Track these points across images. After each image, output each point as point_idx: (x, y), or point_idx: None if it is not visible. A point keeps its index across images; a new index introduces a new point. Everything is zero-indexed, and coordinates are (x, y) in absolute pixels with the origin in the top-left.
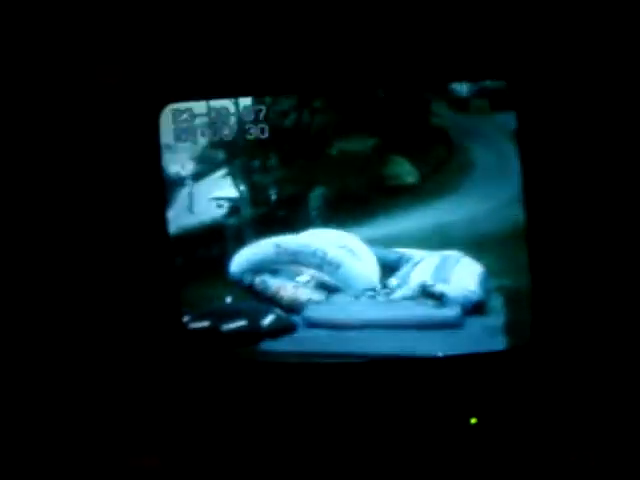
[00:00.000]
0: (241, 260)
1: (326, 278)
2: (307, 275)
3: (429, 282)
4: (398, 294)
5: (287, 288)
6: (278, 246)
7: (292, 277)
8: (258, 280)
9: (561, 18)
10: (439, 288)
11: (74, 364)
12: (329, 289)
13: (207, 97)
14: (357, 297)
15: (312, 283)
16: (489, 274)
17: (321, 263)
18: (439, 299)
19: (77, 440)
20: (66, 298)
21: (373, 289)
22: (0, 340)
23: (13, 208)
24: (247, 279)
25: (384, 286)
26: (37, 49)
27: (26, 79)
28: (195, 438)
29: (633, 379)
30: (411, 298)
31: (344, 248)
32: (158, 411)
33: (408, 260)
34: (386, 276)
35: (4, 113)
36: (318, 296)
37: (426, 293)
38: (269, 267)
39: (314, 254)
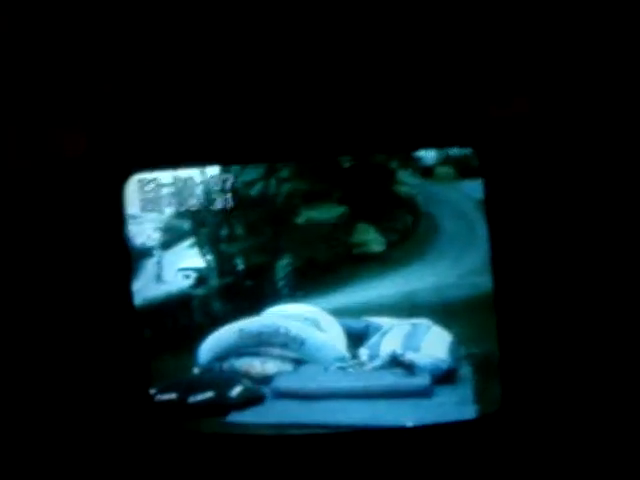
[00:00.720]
0: (207, 350)
1: (292, 354)
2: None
3: (399, 351)
4: (368, 365)
5: (255, 366)
6: (241, 330)
7: (258, 354)
8: (226, 365)
9: (525, 82)
10: (409, 357)
11: (39, 434)
12: (297, 361)
13: (174, 166)
14: (326, 368)
15: (279, 358)
16: (458, 342)
17: (285, 340)
18: (409, 368)
19: None
20: (32, 370)
21: (342, 359)
22: None
23: None
24: (216, 366)
25: (353, 356)
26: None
27: None
28: None
29: (607, 442)
30: (381, 368)
31: (308, 321)
32: None
33: (376, 329)
34: (355, 346)
35: None
36: (286, 367)
37: (396, 362)
38: (235, 352)
39: (277, 333)
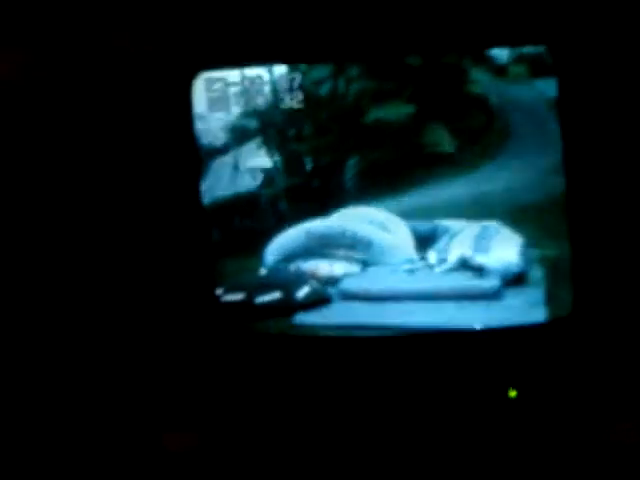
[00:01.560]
0: (274, 250)
1: (359, 256)
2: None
3: (468, 254)
4: (437, 267)
5: (322, 267)
6: (308, 231)
7: (325, 256)
8: (293, 266)
9: None
10: (479, 259)
11: (109, 336)
12: (365, 263)
13: (241, 64)
14: (394, 271)
15: (347, 259)
16: (529, 245)
17: (352, 243)
18: (479, 271)
19: (112, 415)
20: (102, 269)
21: (410, 262)
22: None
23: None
24: (283, 267)
25: (422, 259)
26: (68, 18)
27: (60, 47)
28: (229, 413)
29: None
30: (450, 270)
31: (375, 224)
32: (192, 385)
33: (445, 231)
34: (423, 248)
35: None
36: (354, 269)
37: (466, 265)
38: (303, 253)
39: (344, 235)
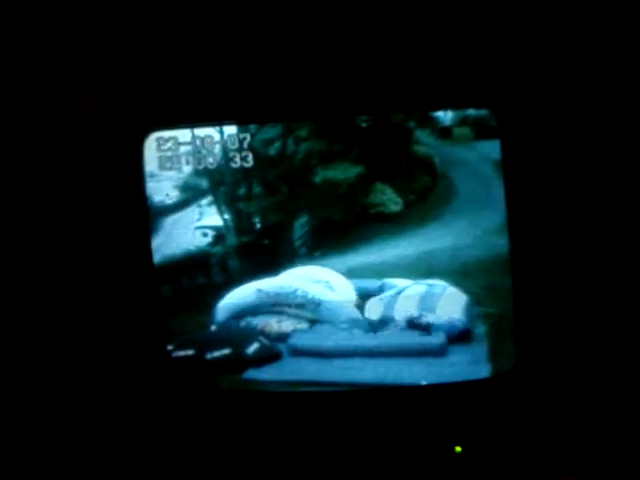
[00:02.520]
0: (224, 308)
1: (309, 315)
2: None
3: (414, 313)
4: (384, 326)
5: (271, 324)
6: (260, 290)
7: (274, 313)
8: (243, 323)
9: (543, 45)
10: (425, 318)
11: (61, 389)
12: (313, 321)
13: (192, 124)
14: (342, 329)
15: (295, 317)
16: (474, 302)
17: (302, 302)
18: (425, 328)
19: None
20: (52, 326)
21: (356, 322)
22: None
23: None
24: (233, 324)
25: (369, 321)
26: (18, 78)
27: (8, 108)
28: (180, 466)
29: (617, 402)
30: (397, 328)
31: (323, 284)
32: (141, 440)
33: (392, 289)
34: (370, 307)
35: None
36: (302, 326)
37: (412, 323)
38: (253, 311)
39: (294, 294)
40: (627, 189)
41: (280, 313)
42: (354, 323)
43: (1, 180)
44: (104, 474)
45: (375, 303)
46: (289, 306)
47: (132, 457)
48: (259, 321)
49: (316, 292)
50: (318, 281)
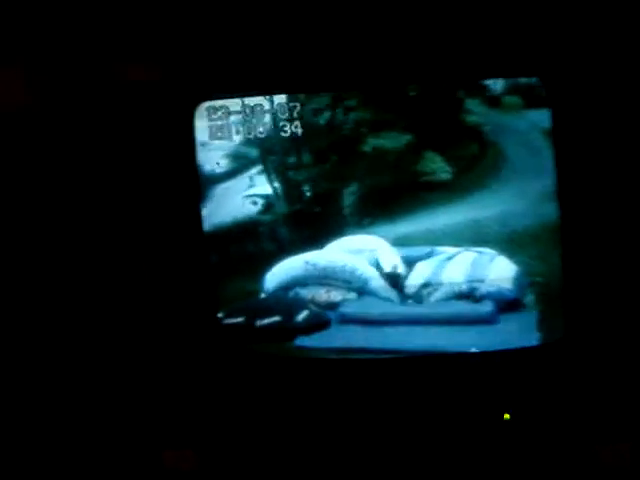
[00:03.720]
0: (273, 279)
1: (356, 288)
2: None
3: (464, 280)
4: (432, 298)
5: (320, 294)
6: (307, 263)
7: (323, 284)
8: (291, 294)
9: (594, 15)
10: (475, 286)
11: (111, 355)
12: (361, 291)
13: (242, 94)
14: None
15: (344, 287)
16: (523, 271)
17: (350, 278)
18: (473, 297)
19: (114, 431)
20: (106, 292)
21: (405, 295)
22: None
23: (61, 198)
24: (282, 295)
25: (417, 289)
26: (72, 48)
27: (63, 78)
28: (230, 433)
29: None
30: (446, 296)
31: (370, 253)
32: (193, 405)
33: (441, 257)
34: (419, 274)
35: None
36: (351, 296)
37: (461, 290)
38: (301, 282)
39: (343, 270)
40: None
41: (328, 284)
42: (401, 297)
43: (57, 146)
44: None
45: (424, 266)
46: (336, 280)
47: (183, 425)
48: (308, 291)
49: (363, 268)
50: (365, 251)
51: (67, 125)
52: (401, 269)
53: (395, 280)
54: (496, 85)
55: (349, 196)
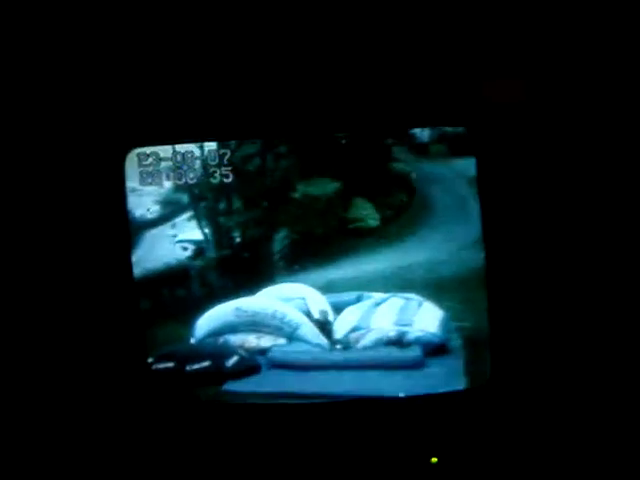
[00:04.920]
0: (203, 325)
1: (286, 335)
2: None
3: (391, 326)
4: (360, 343)
5: (250, 340)
6: (238, 309)
7: (253, 331)
8: (221, 340)
9: (519, 65)
10: (402, 331)
11: (38, 401)
12: (291, 337)
13: (173, 141)
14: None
15: (274, 333)
16: (449, 316)
17: (280, 325)
18: (401, 342)
19: None
20: (35, 337)
21: (333, 341)
22: None
23: None
24: (210, 342)
25: (345, 334)
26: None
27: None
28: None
29: (591, 417)
30: (374, 343)
31: (299, 301)
32: (123, 452)
33: (369, 302)
34: (346, 316)
35: None
36: (281, 341)
37: (389, 337)
38: (231, 329)
39: (273, 316)
40: (600, 206)
41: (259, 331)
42: (330, 343)
43: None
44: None
45: (352, 312)
46: (267, 327)
47: (113, 469)
48: (238, 337)
49: (292, 315)
50: (295, 298)
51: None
52: (330, 315)
53: (324, 326)
54: (423, 134)
55: (279, 242)
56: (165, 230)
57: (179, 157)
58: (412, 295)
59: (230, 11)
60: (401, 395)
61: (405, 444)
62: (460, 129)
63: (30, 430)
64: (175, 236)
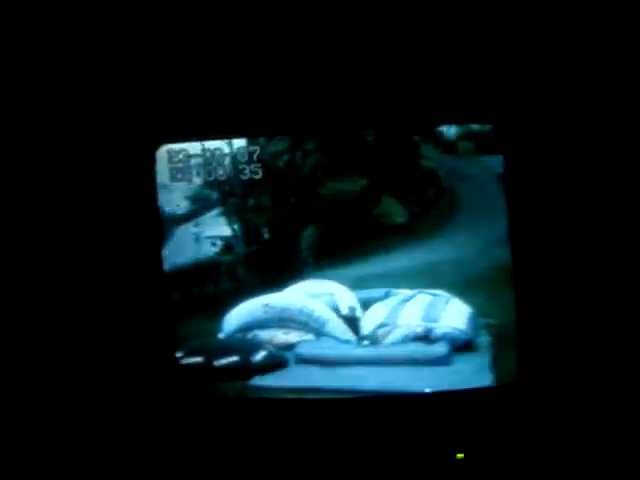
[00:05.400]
0: (232, 321)
1: (314, 330)
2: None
3: (419, 322)
4: (387, 339)
5: (278, 336)
6: (266, 305)
7: (281, 327)
8: (250, 335)
9: (546, 65)
10: (429, 327)
11: (71, 394)
12: (319, 332)
13: (202, 138)
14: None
15: (302, 329)
16: (477, 313)
17: (307, 320)
18: (429, 338)
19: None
20: (66, 331)
21: (361, 339)
22: None
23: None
24: (239, 337)
25: (373, 330)
26: (33, 95)
27: (25, 125)
28: (185, 474)
29: (618, 413)
30: (401, 340)
31: (327, 297)
32: (150, 445)
33: (397, 299)
34: (375, 316)
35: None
36: (308, 337)
37: (416, 333)
38: (259, 325)
39: (301, 312)
40: (626, 201)
41: (287, 327)
42: (358, 339)
43: (18, 191)
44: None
45: (380, 308)
46: (295, 322)
47: (139, 463)
48: (266, 333)
49: (321, 311)
50: (323, 294)
51: (29, 168)
52: (358, 311)
53: (352, 322)
54: (450, 131)
55: (307, 238)
56: (195, 226)
57: (208, 154)
58: (439, 292)
59: (264, 9)
60: (428, 391)
61: (431, 440)
62: (487, 127)
63: (59, 420)
64: (204, 232)
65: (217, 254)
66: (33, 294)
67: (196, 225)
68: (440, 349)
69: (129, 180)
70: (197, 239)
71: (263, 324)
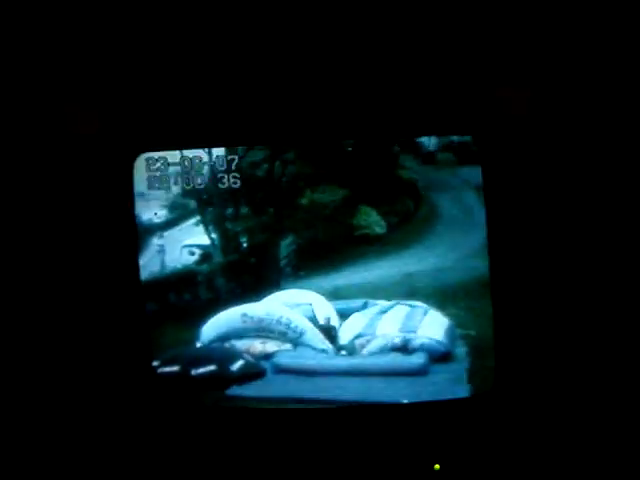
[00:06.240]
0: (210, 330)
1: (291, 340)
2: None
3: (397, 333)
4: (365, 349)
5: (255, 346)
6: (244, 315)
7: (259, 337)
8: (227, 345)
9: (526, 75)
10: (406, 338)
11: (44, 408)
12: (296, 342)
13: (180, 147)
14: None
15: (279, 338)
16: (454, 324)
17: (285, 330)
18: (406, 349)
19: None
20: (41, 339)
21: (338, 347)
22: None
23: None
24: (216, 346)
25: (351, 341)
26: (11, 102)
27: (2, 133)
28: None
29: (597, 423)
30: (379, 350)
31: (305, 307)
32: (126, 455)
33: (375, 310)
34: (351, 322)
35: None
36: (286, 346)
37: (394, 344)
38: (237, 335)
39: (279, 322)
40: (605, 215)
41: (265, 336)
42: (335, 349)
43: None
44: None
45: (358, 318)
46: (272, 332)
47: (115, 472)
48: (244, 343)
49: (298, 321)
50: (301, 304)
51: (9, 175)
52: (335, 321)
53: (329, 332)
54: (430, 142)
55: (286, 248)
56: (172, 235)
57: (187, 162)
58: (417, 302)
59: (240, 18)
60: (405, 401)
61: (408, 450)
62: (467, 138)
63: (35, 432)
64: (182, 241)
65: (195, 263)
66: (7, 302)
67: (174, 234)
68: (418, 360)
69: (106, 188)
70: (174, 248)
71: (241, 333)
